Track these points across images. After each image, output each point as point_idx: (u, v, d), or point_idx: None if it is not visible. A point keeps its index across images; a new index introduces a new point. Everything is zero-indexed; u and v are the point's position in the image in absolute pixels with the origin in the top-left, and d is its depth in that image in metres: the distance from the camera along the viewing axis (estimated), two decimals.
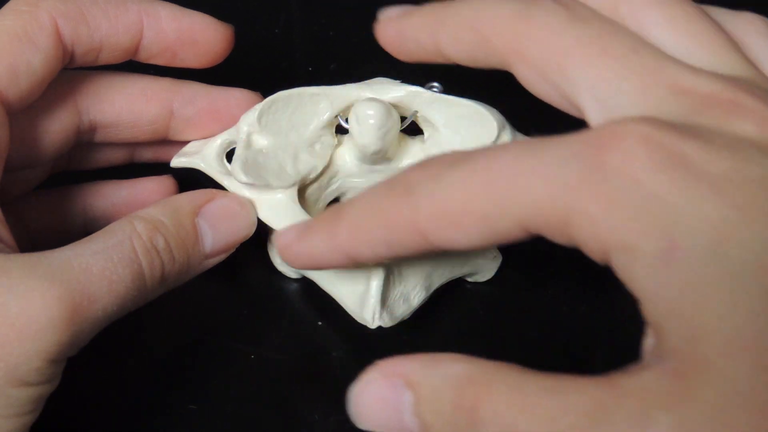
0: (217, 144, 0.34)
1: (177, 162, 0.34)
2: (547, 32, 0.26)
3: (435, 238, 0.25)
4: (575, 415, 0.21)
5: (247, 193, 0.33)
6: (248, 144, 0.33)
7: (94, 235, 0.29)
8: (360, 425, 0.25)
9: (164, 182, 0.36)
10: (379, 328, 0.32)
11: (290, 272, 0.35)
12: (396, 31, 0.30)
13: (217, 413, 0.32)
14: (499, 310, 0.36)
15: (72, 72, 0.32)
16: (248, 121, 0.33)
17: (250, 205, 0.33)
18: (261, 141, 0.33)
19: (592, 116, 0.25)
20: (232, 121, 0.34)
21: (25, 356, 0.26)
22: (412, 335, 0.34)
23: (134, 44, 0.32)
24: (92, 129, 0.33)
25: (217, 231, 0.31)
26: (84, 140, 0.34)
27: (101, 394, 0.33)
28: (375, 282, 0.31)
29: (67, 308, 0.26)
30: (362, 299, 0.32)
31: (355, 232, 0.26)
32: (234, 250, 0.32)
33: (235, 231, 0.32)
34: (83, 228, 0.35)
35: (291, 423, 0.32)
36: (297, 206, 0.33)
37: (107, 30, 0.31)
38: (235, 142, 0.34)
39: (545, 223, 0.23)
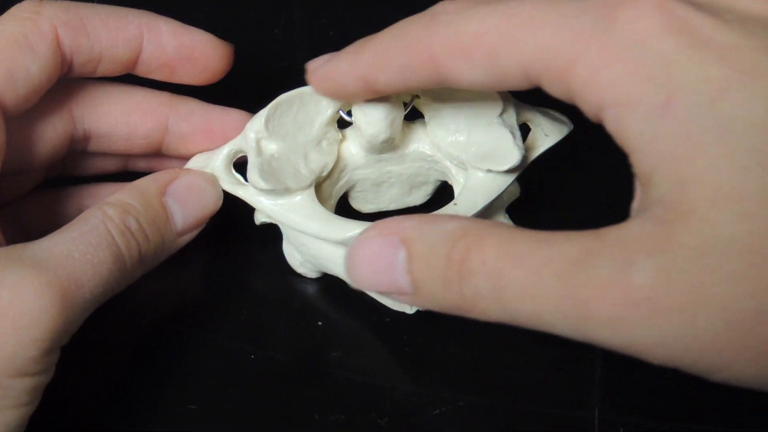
0: (223, 155, 0.33)
1: None
2: None
3: (444, 67, 0.26)
4: (561, 264, 0.22)
5: (265, 200, 0.33)
6: (259, 150, 0.32)
7: (68, 225, 0.29)
8: (353, 283, 0.26)
9: None
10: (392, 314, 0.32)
11: (310, 272, 0.35)
12: None
13: (217, 413, 0.32)
14: None
15: (69, 79, 0.32)
16: (255, 127, 0.33)
17: (214, 179, 0.33)
18: (271, 146, 0.33)
19: None
20: (225, 142, 0.34)
21: (21, 346, 0.26)
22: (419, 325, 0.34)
23: (133, 58, 0.32)
24: (86, 138, 0.33)
25: (186, 207, 0.32)
26: (78, 148, 0.34)
27: (101, 394, 0.33)
28: None
29: (57, 294, 0.26)
30: None
31: (376, 56, 0.28)
32: (205, 225, 0.33)
33: (203, 205, 0.32)
34: None
35: (291, 423, 0.32)
36: (319, 205, 0.33)
37: (107, 42, 0.31)
38: (241, 152, 0.33)
39: (546, 70, 0.24)
